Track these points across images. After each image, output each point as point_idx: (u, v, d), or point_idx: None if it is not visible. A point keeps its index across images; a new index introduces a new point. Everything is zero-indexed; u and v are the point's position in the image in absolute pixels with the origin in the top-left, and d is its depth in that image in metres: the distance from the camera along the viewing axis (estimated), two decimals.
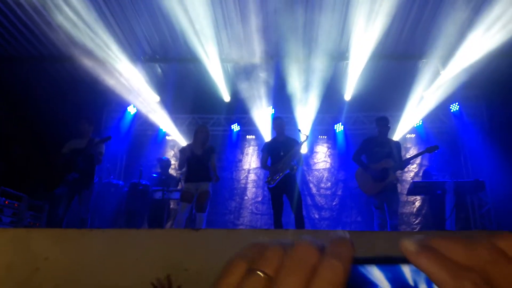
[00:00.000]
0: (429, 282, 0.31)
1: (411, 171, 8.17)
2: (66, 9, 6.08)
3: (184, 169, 5.64)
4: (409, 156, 5.48)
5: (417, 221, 7.75)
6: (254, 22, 6.49)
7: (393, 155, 5.24)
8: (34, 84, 7.63)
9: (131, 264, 2.92)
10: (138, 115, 8.64)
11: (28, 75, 7.68)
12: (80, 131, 5.52)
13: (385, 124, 5.43)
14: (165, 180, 6.96)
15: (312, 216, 8.15)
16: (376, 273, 0.35)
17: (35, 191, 6.28)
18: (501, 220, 7.14)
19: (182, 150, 5.54)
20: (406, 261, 0.31)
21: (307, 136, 5.59)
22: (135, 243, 3.06)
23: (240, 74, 7.77)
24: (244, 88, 7.85)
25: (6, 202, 5.84)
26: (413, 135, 8.41)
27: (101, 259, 2.97)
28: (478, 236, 0.30)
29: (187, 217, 5.27)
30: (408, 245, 0.30)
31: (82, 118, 5.59)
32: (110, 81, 7.40)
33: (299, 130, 5.84)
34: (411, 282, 0.34)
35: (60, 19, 6.19)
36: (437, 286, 0.29)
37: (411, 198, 7.79)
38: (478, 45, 6.49)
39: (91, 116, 5.83)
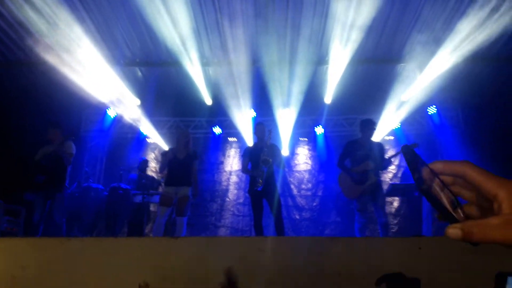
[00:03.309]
0: None
1: (390, 172, 8.32)
2: (43, 11, 5.97)
3: (164, 172, 5.61)
4: (389, 156, 5.54)
5: (395, 222, 7.90)
6: (234, 27, 6.50)
7: (374, 157, 5.27)
8: (8, 89, 7.47)
9: (110, 273, 2.91)
10: (118, 118, 8.55)
11: (1, 80, 7.52)
12: (50, 138, 5.45)
13: (370, 127, 5.41)
14: (145, 183, 6.92)
15: (293, 216, 8.23)
16: None
17: (10, 196, 6.14)
18: None
19: (164, 153, 5.57)
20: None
21: (270, 131, 5.56)
22: (114, 251, 3.05)
23: (221, 77, 7.77)
24: (225, 91, 7.85)
25: None
26: (391, 137, 8.56)
27: (80, 268, 2.95)
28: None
29: (166, 220, 5.26)
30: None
31: (48, 126, 5.49)
32: (88, 84, 7.28)
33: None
34: None
35: (36, 22, 6.07)
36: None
37: (390, 198, 7.94)
38: (452, 49, 6.66)
39: (56, 121, 5.67)
